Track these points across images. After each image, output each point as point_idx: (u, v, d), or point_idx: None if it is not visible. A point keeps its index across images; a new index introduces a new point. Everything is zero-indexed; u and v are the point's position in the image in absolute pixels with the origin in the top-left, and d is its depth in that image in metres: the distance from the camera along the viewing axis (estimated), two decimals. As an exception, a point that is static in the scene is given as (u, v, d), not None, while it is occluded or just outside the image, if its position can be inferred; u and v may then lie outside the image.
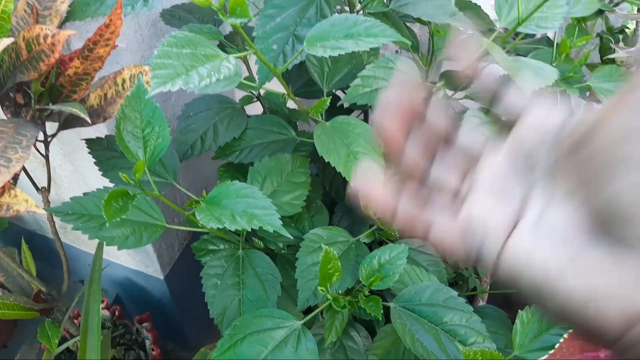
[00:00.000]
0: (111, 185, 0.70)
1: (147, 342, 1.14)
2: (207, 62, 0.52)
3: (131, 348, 1.15)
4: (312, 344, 0.61)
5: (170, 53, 0.51)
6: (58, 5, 0.69)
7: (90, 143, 0.73)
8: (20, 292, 0.89)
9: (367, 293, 0.66)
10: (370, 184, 0.30)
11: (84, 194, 0.64)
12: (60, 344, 0.96)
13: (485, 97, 0.31)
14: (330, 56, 0.77)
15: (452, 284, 1.04)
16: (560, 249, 0.24)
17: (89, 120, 0.58)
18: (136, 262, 1.18)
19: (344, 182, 0.92)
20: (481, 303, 1.08)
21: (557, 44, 0.77)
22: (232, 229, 0.56)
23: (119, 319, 1.18)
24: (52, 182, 1.13)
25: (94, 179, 1.01)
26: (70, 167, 1.02)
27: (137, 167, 0.54)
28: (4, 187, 0.53)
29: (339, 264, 0.63)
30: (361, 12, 0.78)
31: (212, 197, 0.61)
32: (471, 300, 1.15)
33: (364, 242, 0.78)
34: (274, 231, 0.58)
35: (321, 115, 0.72)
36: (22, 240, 1.03)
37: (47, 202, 0.79)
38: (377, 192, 0.30)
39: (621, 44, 0.90)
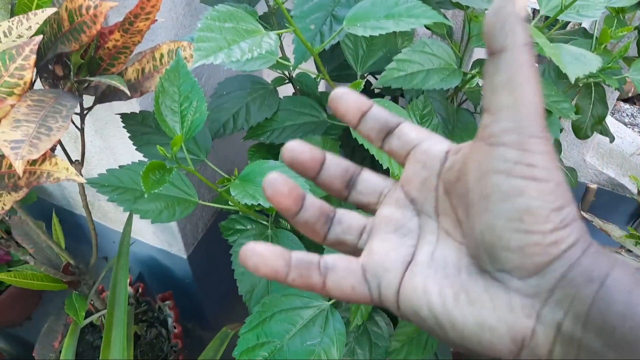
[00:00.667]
0: (145, 160, 0.70)
1: (170, 320, 1.15)
2: (248, 37, 0.53)
3: (153, 325, 1.16)
4: (340, 324, 0.61)
5: (212, 26, 0.51)
6: (98, -21, 0.69)
7: (125, 118, 0.74)
8: (49, 265, 0.91)
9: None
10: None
11: (120, 166, 0.65)
12: (85, 317, 0.98)
13: (377, 136, 0.31)
14: (365, 39, 0.77)
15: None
16: (447, 285, 0.26)
17: (128, 92, 0.59)
18: (161, 240, 1.20)
19: (372, 168, 0.91)
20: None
21: (596, 35, 0.75)
22: (267, 205, 0.56)
23: (142, 296, 1.20)
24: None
25: (124, 156, 1.02)
26: (101, 143, 1.03)
27: (175, 140, 0.55)
28: (45, 155, 0.54)
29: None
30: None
31: (246, 174, 0.61)
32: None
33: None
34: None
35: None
36: (53, 213, 1.05)
37: (82, 189, 0.80)
38: (267, 254, 0.27)
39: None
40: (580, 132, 0.94)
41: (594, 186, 1.23)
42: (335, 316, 0.62)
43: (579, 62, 0.56)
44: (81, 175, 0.80)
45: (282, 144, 0.76)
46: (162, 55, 0.65)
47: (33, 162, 0.55)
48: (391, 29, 0.56)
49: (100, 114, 0.92)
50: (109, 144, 1.02)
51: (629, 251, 1.13)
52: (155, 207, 0.63)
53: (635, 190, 1.28)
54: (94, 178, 0.63)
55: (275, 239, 0.71)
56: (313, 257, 0.28)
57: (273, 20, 0.82)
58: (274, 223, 0.75)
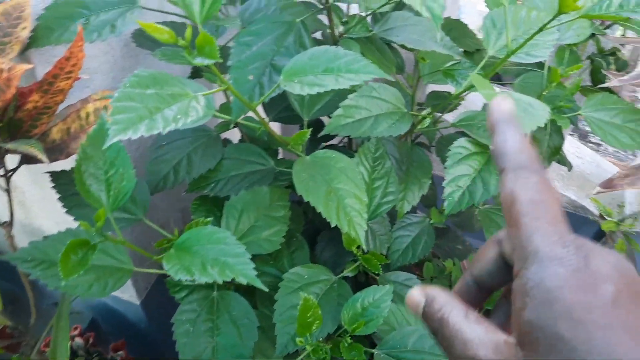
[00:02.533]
0: (75, 225, 0.65)
1: (122, 372, 1.10)
2: (174, 102, 0.48)
3: (105, 378, 1.10)
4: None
5: (132, 94, 0.46)
6: (19, 32, 0.64)
7: (55, 176, 0.69)
8: (-16, 328, 0.84)
9: (349, 341, 0.62)
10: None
11: (44, 237, 0.59)
12: (28, 378, 0.91)
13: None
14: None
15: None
16: None
17: (46, 160, 0.54)
18: (111, 287, 1.14)
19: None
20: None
21: (547, 72, 0.73)
22: (202, 281, 0.51)
23: (93, 346, 1.13)
24: (22, 207, 1.08)
25: (64, 205, 0.97)
26: (40, 192, 0.97)
27: (98, 214, 0.50)
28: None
29: (319, 311, 0.59)
30: (344, 36, 0.74)
31: (182, 242, 0.57)
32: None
33: (348, 276, 0.74)
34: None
35: (301, 147, 0.68)
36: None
37: (9, 236, 0.74)
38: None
39: (612, 67, 0.87)
40: (537, 165, 0.92)
41: (555, 210, 1.22)
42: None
43: (527, 115, 0.54)
44: (11, 236, 0.75)
45: (228, 197, 0.72)
46: (88, 114, 0.61)
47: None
48: (330, 87, 0.52)
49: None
50: (48, 192, 0.96)
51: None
52: (84, 281, 0.58)
53: (596, 212, 1.28)
54: (15, 254, 0.58)
55: (222, 302, 0.66)
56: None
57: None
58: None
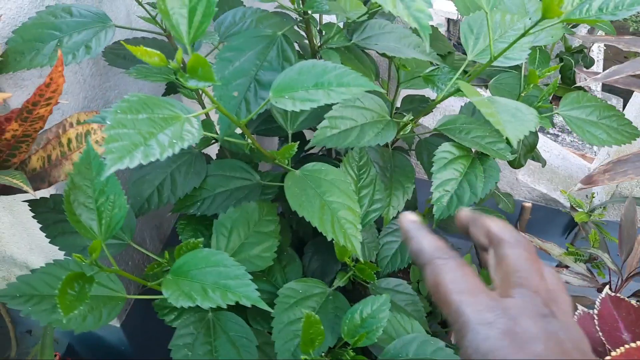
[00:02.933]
0: (61, 256, 0.63)
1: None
2: (166, 126, 0.47)
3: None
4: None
5: (124, 121, 0.45)
6: (-12, 57, 0.62)
7: (34, 205, 0.66)
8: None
9: (352, 354, 0.62)
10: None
11: (32, 271, 0.57)
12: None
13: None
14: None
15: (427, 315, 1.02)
16: None
17: (32, 192, 0.52)
18: (90, 312, 1.10)
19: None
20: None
21: (524, 74, 0.75)
22: (206, 307, 0.50)
23: (73, 374, 1.10)
24: (-10, 235, 1.03)
25: (38, 231, 0.93)
26: (11, 219, 0.94)
27: (93, 245, 0.48)
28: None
29: (321, 327, 0.59)
30: (323, 47, 0.74)
31: (179, 267, 0.55)
32: (443, 326, 1.13)
33: (339, 286, 0.74)
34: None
35: (287, 160, 0.68)
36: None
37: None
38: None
39: (580, 64, 0.90)
40: (514, 162, 0.94)
41: (528, 204, 1.25)
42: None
43: (516, 120, 0.55)
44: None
45: (215, 215, 0.71)
46: (69, 140, 0.58)
47: None
48: (322, 101, 0.52)
49: (7, 191, 0.83)
50: (20, 219, 0.92)
51: (566, 267, 1.15)
52: (78, 313, 0.56)
53: (567, 204, 1.31)
54: (3, 290, 0.55)
55: (218, 323, 0.65)
56: None
57: (192, 79, 0.76)
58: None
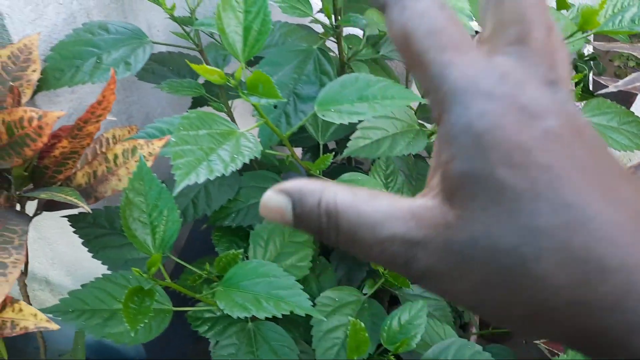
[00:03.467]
0: (104, 270, 0.64)
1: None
2: (224, 141, 0.48)
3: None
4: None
5: (186, 137, 0.46)
6: (29, 75, 0.63)
7: (74, 221, 0.67)
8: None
9: None
10: None
11: (82, 285, 0.58)
12: None
13: None
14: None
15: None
16: None
17: (87, 208, 0.52)
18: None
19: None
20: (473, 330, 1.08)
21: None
22: (261, 316, 0.51)
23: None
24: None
25: (61, 245, 0.94)
26: (34, 234, 0.94)
27: (152, 260, 0.49)
28: (5, 300, 0.47)
29: (366, 334, 0.60)
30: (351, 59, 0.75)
31: (229, 279, 0.56)
32: (464, 330, 1.15)
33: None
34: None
35: (319, 170, 0.69)
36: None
37: (23, 285, 0.72)
38: None
39: (594, 72, 0.92)
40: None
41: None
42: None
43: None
44: (25, 285, 0.72)
45: (249, 226, 0.72)
46: (116, 156, 0.59)
47: (-12, 309, 0.48)
48: (368, 114, 0.53)
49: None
50: (43, 234, 0.93)
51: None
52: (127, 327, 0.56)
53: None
54: (55, 305, 0.56)
55: (259, 333, 0.66)
56: None
57: (221, 91, 0.78)
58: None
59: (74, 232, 0.66)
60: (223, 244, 0.74)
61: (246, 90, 0.47)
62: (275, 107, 0.64)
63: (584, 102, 0.78)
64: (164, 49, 0.83)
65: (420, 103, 1.02)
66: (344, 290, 0.71)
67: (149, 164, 0.57)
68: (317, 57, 0.66)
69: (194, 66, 0.45)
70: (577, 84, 0.94)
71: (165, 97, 1.02)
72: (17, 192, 0.59)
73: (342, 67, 0.76)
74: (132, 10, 0.84)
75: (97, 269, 0.87)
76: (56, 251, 0.96)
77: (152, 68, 0.80)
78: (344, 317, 0.69)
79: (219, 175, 0.45)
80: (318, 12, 0.72)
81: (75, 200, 0.52)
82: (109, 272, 0.63)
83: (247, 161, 0.46)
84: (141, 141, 0.59)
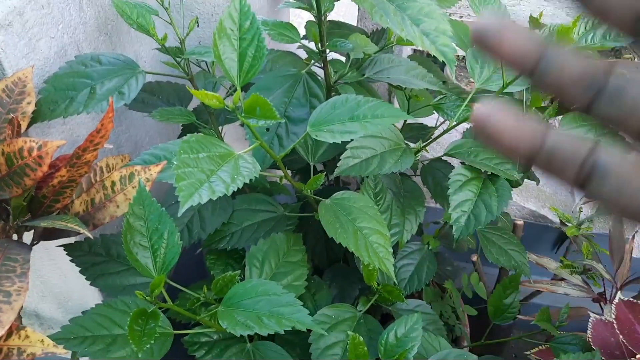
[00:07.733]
0: (105, 297, 0.64)
1: None
2: (223, 163, 0.50)
3: None
4: None
5: (187, 160, 0.48)
6: (24, 107, 0.64)
7: (71, 249, 0.67)
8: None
9: (393, 373, 0.65)
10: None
11: (83, 312, 0.58)
12: None
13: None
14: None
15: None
16: None
17: (89, 234, 0.53)
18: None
19: (327, 250, 0.90)
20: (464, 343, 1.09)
21: (525, 98, 0.80)
22: (265, 334, 0.52)
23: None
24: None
25: (51, 279, 0.93)
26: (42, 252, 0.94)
27: (155, 282, 0.50)
28: (11, 327, 0.47)
29: (365, 348, 0.61)
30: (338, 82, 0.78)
31: (229, 298, 0.57)
32: (456, 343, 1.16)
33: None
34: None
35: (310, 190, 0.71)
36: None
37: (18, 317, 0.71)
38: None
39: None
40: (513, 182, 0.99)
41: (520, 222, 1.30)
42: None
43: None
44: (20, 316, 0.71)
45: (243, 249, 0.73)
46: (113, 183, 0.60)
47: (-7, 337, 0.48)
48: (360, 133, 0.56)
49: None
50: (34, 266, 0.92)
51: (562, 279, 1.20)
52: (131, 351, 0.57)
53: (556, 219, 1.37)
54: (58, 333, 0.56)
55: (258, 353, 0.67)
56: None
57: (211, 117, 0.79)
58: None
59: (71, 260, 0.66)
60: (218, 267, 0.75)
61: (244, 113, 0.49)
62: (267, 129, 0.65)
63: (561, 117, 0.81)
64: (151, 78, 0.84)
65: (405, 122, 1.05)
66: (340, 307, 0.73)
67: (147, 189, 0.58)
68: (306, 81, 0.68)
69: (194, 92, 0.47)
70: (552, 101, 0.98)
71: (153, 126, 1.03)
72: (15, 222, 0.59)
73: (329, 90, 0.78)
74: (120, 42, 0.86)
75: (88, 300, 0.87)
76: (47, 284, 0.95)
77: (142, 97, 0.82)
78: (341, 334, 0.70)
79: (221, 195, 0.46)
80: (302, 38, 0.75)
81: (77, 227, 0.53)
82: (100, 302, 0.64)
83: (247, 181, 0.48)
84: (138, 167, 0.60)
